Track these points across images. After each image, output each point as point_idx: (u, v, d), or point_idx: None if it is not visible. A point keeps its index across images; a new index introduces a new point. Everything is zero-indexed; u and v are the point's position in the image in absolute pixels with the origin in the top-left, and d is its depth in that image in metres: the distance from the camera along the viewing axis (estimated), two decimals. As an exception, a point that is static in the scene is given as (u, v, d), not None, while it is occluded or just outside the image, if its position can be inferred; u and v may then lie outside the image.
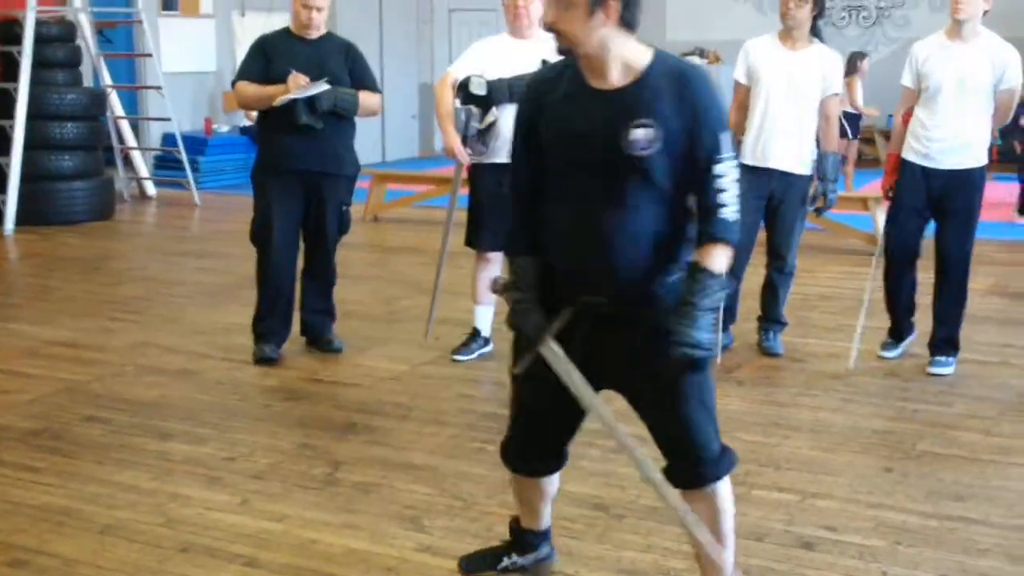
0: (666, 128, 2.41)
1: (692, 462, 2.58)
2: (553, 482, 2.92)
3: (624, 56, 2.45)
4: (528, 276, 2.60)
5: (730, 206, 2.47)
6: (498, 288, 2.68)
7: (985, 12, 4.73)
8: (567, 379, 2.56)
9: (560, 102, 2.52)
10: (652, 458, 2.65)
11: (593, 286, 2.52)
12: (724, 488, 2.65)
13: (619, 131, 2.42)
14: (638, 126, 2.41)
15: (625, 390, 2.65)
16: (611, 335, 2.57)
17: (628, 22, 2.43)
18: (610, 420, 2.59)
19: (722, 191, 2.46)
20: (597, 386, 2.61)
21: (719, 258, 2.48)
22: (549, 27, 2.50)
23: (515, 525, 3.03)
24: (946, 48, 4.80)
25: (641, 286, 2.51)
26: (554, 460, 2.82)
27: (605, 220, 2.47)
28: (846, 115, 10.93)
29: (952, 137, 4.78)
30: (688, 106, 2.42)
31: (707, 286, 2.45)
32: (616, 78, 2.46)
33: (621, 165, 2.44)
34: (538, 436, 2.77)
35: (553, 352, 2.56)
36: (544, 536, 3.01)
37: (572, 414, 2.70)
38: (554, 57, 5.12)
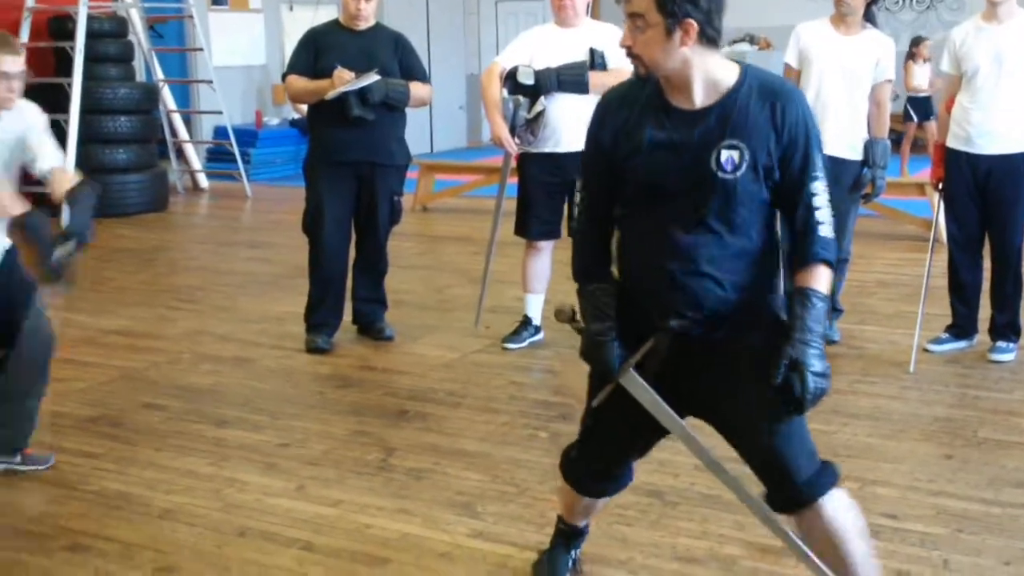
0: (755, 148, 2.31)
1: (787, 487, 2.43)
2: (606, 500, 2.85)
3: (708, 74, 2.31)
4: (606, 305, 2.49)
5: (826, 224, 2.36)
6: (564, 318, 2.55)
7: None
8: (654, 409, 2.46)
9: (638, 124, 2.39)
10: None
11: (678, 311, 2.40)
12: (832, 506, 2.42)
13: (706, 153, 2.32)
14: (726, 147, 2.31)
15: (711, 417, 2.52)
16: (694, 360, 2.45)
17: (710, 38, 2.28)
18: (702, 448, 2.50)
19: (817, 209, 2.35)
20: (675, 412, 2.50)
21: (823, 279, 2.37)
22: (627, 51, 2.36)
23: (562, 522, 2.94)
24: (982, 30, 4.76)
25: (731, 310, 2.39)
26: (616, 482, 2.74)
27: (691, 243, 2.36)
28: (910, 99, 10.78)
29: (991, 120, 4.71)
30: (779, 125, 2.31)
31: (819, 310, 2.34)
32: (701, 98, 2.32)
33: (707, 187, 2.33)
34: (608, 460, 2.69)
35: (637, 383, 2.46)
36: (586, 530, 2.97)
37: (646, 442, 2.63)
38: (601, 45, 5.08)
